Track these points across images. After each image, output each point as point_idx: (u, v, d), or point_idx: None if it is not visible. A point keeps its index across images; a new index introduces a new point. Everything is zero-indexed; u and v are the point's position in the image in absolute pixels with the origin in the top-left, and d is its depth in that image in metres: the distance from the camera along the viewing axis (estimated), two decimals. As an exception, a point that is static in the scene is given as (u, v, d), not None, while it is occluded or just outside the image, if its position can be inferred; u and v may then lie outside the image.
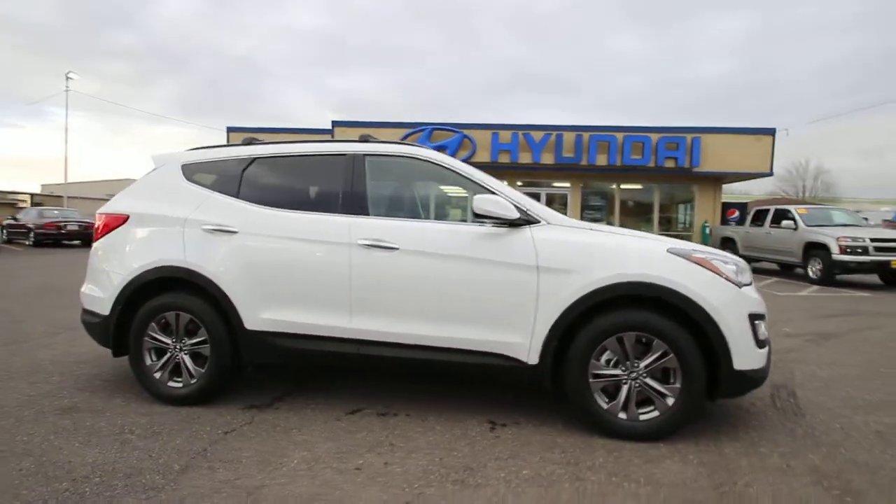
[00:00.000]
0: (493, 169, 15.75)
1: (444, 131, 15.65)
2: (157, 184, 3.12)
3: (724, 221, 15.66)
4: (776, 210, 10.92)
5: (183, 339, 2.87)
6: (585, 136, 14.96)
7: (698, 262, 2.46)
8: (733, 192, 29.01)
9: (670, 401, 2.43)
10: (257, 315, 2.76)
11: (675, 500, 1.96)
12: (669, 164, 14.61)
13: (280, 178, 3.05)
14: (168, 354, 2.89)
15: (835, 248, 8.66)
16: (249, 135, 15.88)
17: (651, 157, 14.55)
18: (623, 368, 2.48)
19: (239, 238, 2.81)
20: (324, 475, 2.12)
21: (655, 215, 16.40)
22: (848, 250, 8.52)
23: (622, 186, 16.75)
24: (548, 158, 15.23)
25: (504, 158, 15.38)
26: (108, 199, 3.27)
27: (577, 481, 2.08)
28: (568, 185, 16.63)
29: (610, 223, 15.82)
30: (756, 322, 2.45)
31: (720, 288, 2.42)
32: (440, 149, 15.16)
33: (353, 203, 2.79)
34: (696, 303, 2.37)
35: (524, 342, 2.53)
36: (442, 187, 3.39)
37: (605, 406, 2.48)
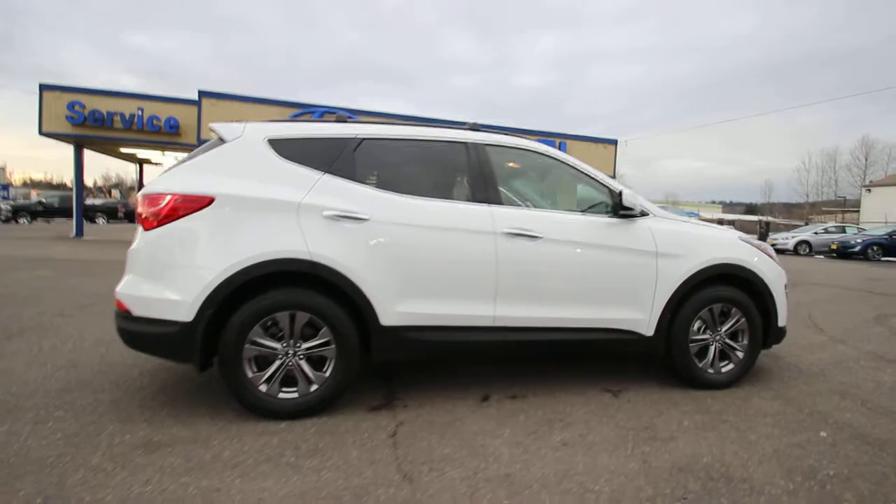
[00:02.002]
0: (387, 159, 15.64)
1: (334, 115, 14.87)
2: (243, 161, 2.57)
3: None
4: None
5: (297, 342, 2.49)
6: (473, 134, 15.97)
7: (757, 247, 3.20)
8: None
9: (740, 354, 3.13)
10: (394, 309, 2.57)
11: (791, 422, 2.61)
12: (542, 164, 16.61)
13: (396, 162, 2.82)
14: (279, 361, 2.47)
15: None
16: (77, 96, 12.92)
17: (528, 157, 16.33)
18: (710, 333, 3.08)
19: (371, 226, 2.55)
20: (546, 455, 2.19)
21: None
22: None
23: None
24: (439, 152, 15.80)
25: (397, 149, 15.42)
26: None
27: (724, 423, 2.59)
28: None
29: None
30: (787, 290, 3.30)
31: (772, 266, 3.20)
32: (332, 135, 14.51)
33: (487, 192, 2.79)
34: (762, 278, 3.10)
35: (644, 318, 2.93)
36: (552, 179, 3.53)
37: (700, 365, 3.05)
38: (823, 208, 46.88)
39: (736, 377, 3.12)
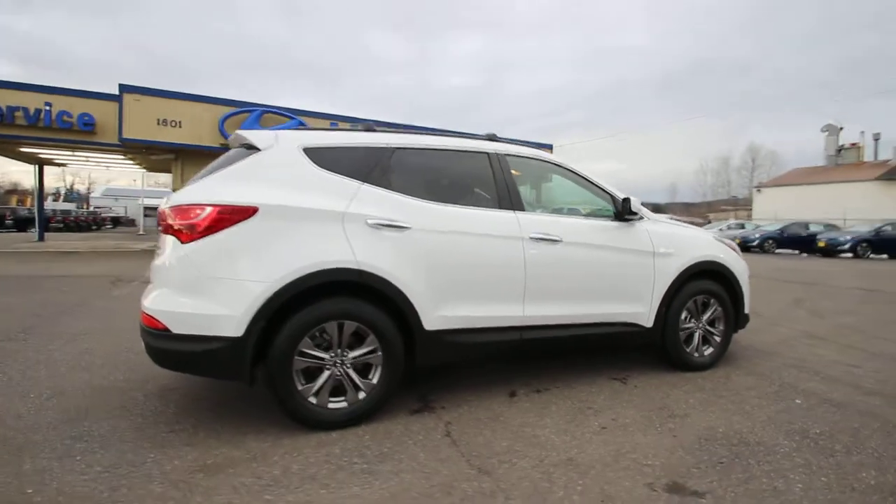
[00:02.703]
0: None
1: (276, 115, 14.31)
2: (281, 169, 2.54)
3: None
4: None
5: (345, 351, 2.51)
6: (419, 137, 16.14)
7: (728, 245, 3.70)
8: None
9: (717, 339, 3.60)
10: (435, 314, 2.67)
11: (770, 394, 3.07)
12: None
13: (427, 171, 2.91)
14: (327, 372, 2.47)
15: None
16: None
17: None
18: (695, 321, 3.52)
19: (413, 234, 2.63)
20: (592, 439, 2.43)
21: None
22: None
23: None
24: (385, 155, 15.75)
25: (343, 152, 15.14)
26: None
27: (721, 398, 2.99)
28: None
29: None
30: (748, 281, 3.84)
31: (739, 261, 3.72)
32: (274, 136, 13.95)
33: (511, 199, 2.98)
34: (733, 272, 3.60)
35: (645, 311, 3.29)
36: (560, 187, 3.74)
37: (688, 350, 3.47)
38: (721, 207, 52.77)
39: (716, 359, 3.59)
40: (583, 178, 3.36)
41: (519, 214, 2.96)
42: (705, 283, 3.52)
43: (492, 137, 3.20)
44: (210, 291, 2.30)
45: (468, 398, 2.96)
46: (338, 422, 2.48)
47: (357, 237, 2.51)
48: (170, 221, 2.38)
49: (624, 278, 3.22)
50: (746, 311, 3.75)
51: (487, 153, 3.07)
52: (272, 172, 2.53)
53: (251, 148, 2.60)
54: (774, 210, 28.24)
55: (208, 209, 2.33)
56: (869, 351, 4.10)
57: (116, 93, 12.76)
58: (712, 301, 3.55)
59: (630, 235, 3.27)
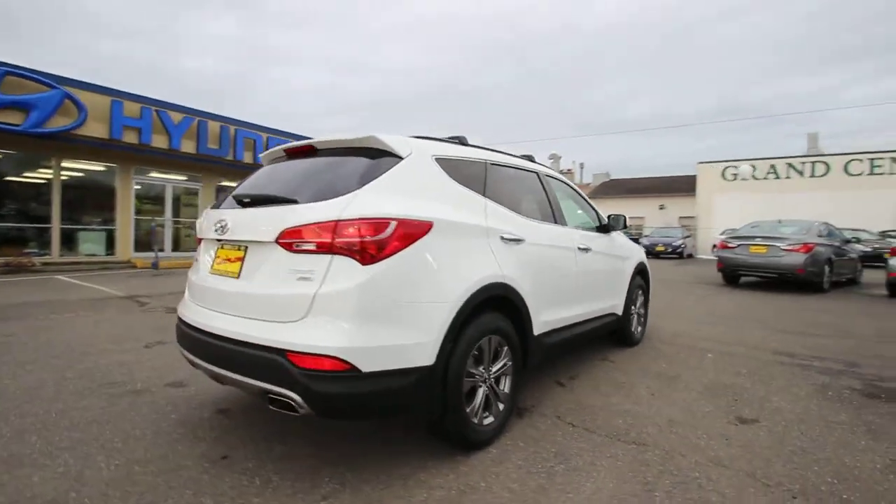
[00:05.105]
0: (118, 149, 12.20)
1: (25, 79, 10.37)
2: (427, 181, 2.35)
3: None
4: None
5: (490, 365, 2.52)
6: (232, 130, 14.19)
7: (642, 248, 5.01)
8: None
9: (643, 320, 4.87)
10: (539, 319, 2.91)
11: (691, 354, 4.41)
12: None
13: (508, 186, 3.05)
14: (481, 389, 2.45)
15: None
16: None
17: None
18: (634, 308, 4.67)
19: (525, 247, 2.81)
20: (661, 404, 3.12)
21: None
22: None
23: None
24: (189, 147, 13.26)
25: (131, 137, 12.06)
26: None
27: (673, 362, 4.15)
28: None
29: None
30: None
31: (646, 260, 5.08)
32: (25, 105, 10.19)
33: (558, 215, 3.43)
34: (648, 269, 4.92)
35: (621, 303, 4.23)
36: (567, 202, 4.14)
37: (632, 330, 4.60)
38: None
39: (642, 335, 4.84)
40: (581, 196, 4.07)
41: (567, 229, 3.45)
42: (639, 279, 4.72)
43: (531, 158, 3.57)
44: (399, 318, 2.01)
45: (535, 394, 3.27)
46: (490, 437, 2.48)
47: (498, 251, 2.56)
48: (339, 239, 1.95)
49: (614, 277, 4.08)
50: (650, 296, 5.17)
51: (537, 172, 3.44)
52: (421, 184, 2.33)
53: (387, 155, 2.31)
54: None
55: (392, 224, 2.02)
56: (696, 321, 6.14)
57: None
58: (640, 292, 4.79)
59: (614, 244, 4.16)
